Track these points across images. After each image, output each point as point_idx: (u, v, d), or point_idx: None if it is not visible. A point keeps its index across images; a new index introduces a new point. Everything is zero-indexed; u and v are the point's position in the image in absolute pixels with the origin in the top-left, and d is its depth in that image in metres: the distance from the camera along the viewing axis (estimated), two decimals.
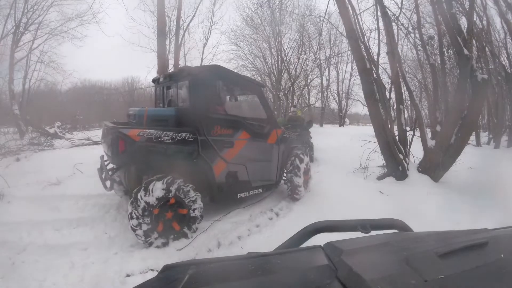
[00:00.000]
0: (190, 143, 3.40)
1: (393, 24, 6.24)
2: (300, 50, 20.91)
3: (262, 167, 4.30)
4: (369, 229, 0.90)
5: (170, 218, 3.18)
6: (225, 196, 3.82)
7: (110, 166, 3.93)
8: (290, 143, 4.93)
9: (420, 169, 5.94)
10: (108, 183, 3.62)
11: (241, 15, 20.88)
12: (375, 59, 5.92)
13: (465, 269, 0.64)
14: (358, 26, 5.87)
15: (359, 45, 5.63)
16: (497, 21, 12.38)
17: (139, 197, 2.96)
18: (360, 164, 6.32)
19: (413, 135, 6.28)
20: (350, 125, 28.78)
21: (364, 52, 5.75)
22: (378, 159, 6.37)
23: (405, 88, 6.44)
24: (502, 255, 0.71)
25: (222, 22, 28.33)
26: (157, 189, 3.02)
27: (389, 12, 6.27)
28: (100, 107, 27.94)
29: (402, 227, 1.01)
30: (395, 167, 5.75)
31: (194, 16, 8.70)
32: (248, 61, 21.96)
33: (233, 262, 0.73)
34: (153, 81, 4.79)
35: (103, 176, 3.72)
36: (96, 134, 13.60)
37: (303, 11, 19.50)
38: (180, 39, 6.67)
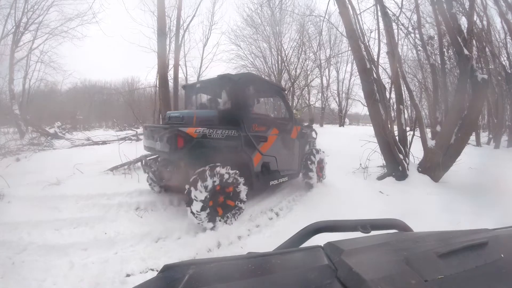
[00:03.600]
0: (235, 139, 3.92)
1: (393, 24, 6.23)
2: (300, 50, 20.88)
3: (287, 158, 4.89)
4: (369, 229, 0.90)
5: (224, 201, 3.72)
6: (260, 184, 4.28)
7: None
8: (307, 138, 5.66)
9: (420, 169, 5.94)
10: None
11: (241, 15, 20.88)
12: (375, 59, 5.90)
13: (465, 269, 0.64)
14: (358, 26, 5.86)
15: (359, 45, 5.63)
16: (497, 21, 12.39)
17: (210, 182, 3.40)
18: (360, 164, 6.32)
19: (413, 135, 6.28)
20: (350, 125, 28.76)
21: (364, 52, 5.75)
22: (378, 159, 6.37)
23: (405, 88, 6.44)
24: (502, 255, 0.70)
25: (222, 22, 28.29)
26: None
27: (389, 12, 6.26)
28: (100, 107, 28.01)
29: (402, 227, 1.01)
30: (395, 167, 5.75)
31: (194, 16, 8.71)
32: (248, 61, 21.95)
33: (233, 262, 0.72)
34: (184, 87, 5.34)
35: (155, 173, 4.41)
36: (96, 134, 13.64)
37: (303, 11, 19.49)
38: (180, 39, 6.66)
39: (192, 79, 20.51)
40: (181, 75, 19.25)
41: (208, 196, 3.37)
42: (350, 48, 5.94)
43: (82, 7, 15.34)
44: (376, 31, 6.17)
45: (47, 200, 4.51)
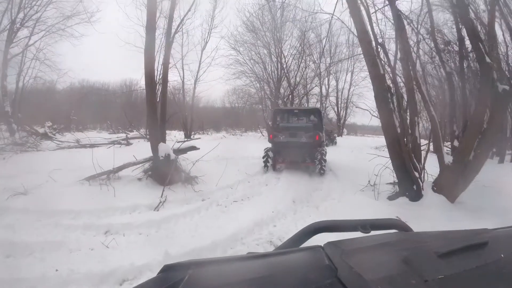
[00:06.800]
0: (322, 137, 8.06)
1: (408, 28, 5.58)
2: (301, 59, 20.35)
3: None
4: (369, 229, 0.87)
5: None
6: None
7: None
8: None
9: (435, 188, 5.25)
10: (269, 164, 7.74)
11: (242, 19, 20.15)
12: (392, 64, 5.19)
13: (465, 269, 0.62)
14: (371, 27, 5.18)
15: (372, 48, 4.94)
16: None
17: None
18: (369, 181, 5.59)
19: (428, 150, 5.58)
20: (348, 135, 28.21)
21: (379, 57, 5.04)
22: (386, 175, 5.67)
23: (420, 98, 5.73)
24: (502, 255, 0.69)
25: (222, 26, 27.52)
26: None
27: (402, 15, 5.62)
28: (96, 108, 27.10)
29: (402, 227, 0.99)
30: (409, 186, 5.04)
31: (189, 10, 8.08)
32: (247, 67, 21.24)
33: (233, 262, 0.73)
34: (275, 110, 9.80)
35: (275, 156, 7.77)
36: (88, 136, 12.91)
37: (305, 16, 18.93)
38: (172, 35, 5.93)
39: (189, 83, 20.11)
40: (177, 78, 18.70)
41: (325, 158, 7.42)
42: (362, 52, 5.24)
43: (80, 6, 14.75)
44: (394, 33, 5.45)
45: (7, 214, 3.86)
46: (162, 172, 4.77)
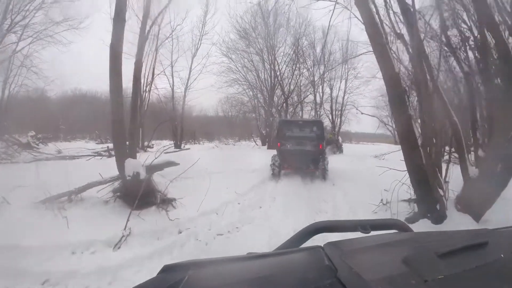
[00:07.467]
0: (324, 146, 9.04)
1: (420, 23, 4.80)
2: (294, 66, 19.72)
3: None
4: (369, 229, 0.86)
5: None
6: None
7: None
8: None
9: (459, 206, 4.43)
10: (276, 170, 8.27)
11: (234, 25, 19.47)
12: (414, 60, 4.36)
13: (465, 269, 0.61)
14: (388, 18, 4.40)
15: (384, 42, 4.14)
16: None
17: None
18: (381, 200, 4.72)
19: (449, 161, 4.77)
20: (343, 143, 27.51)
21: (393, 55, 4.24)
22: (400, 190, 4.83)
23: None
24: (502, 255, 0.68)
25: (213, 33, 26.48)
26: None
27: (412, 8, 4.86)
28: (87, 117, 26.04)
29: (402, 227, 0.98)
30: (432, 205, 4.19)
31: (166, 6, 7.42)
32: (239, 75, 20.48)
33: (233, 262, 0.72)
34: (281, 121, 10.42)
35: (281, 161, 8.34)
36: (72, 147, 12.02)
37: (299, 22, 18.49)
38: (147, 29, 5.09)
39: (179, 91, 19.35)
40: (165, 85, 17.95)
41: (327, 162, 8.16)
42: (371, 47, 4.44)
43: (70, 12, 14.20)
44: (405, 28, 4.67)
45: None
46: (132, 194, 3.84)
